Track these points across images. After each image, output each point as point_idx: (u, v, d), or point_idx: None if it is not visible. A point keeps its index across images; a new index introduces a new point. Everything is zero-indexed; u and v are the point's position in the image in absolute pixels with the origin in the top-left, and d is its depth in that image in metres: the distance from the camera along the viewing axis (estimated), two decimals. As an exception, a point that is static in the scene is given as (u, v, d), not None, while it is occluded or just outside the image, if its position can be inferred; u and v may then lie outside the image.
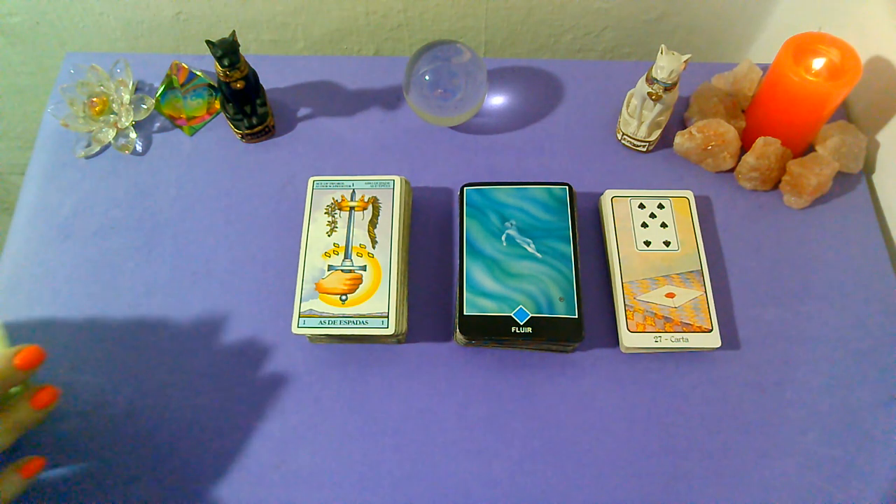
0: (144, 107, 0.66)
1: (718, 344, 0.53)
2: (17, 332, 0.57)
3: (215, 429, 0.54)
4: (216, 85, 0.62)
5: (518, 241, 0.56)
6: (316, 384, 0.56)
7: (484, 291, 0.54)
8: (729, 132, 0.61)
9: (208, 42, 0.57)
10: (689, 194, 0.59)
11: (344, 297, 0.53)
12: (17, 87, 0.95)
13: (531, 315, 0.53)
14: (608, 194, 0.60)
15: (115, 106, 0.65)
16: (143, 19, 0.83)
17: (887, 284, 0.59)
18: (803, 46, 0.57)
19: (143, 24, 0.84)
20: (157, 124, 0.68)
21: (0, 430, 0.43)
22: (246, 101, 0.62)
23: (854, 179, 0.63)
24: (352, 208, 0.57)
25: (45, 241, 0.62)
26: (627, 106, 0.63)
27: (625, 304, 0.55)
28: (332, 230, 0.57)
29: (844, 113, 0.67)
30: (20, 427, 0.44)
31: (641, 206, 0.59)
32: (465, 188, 0.59)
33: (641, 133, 0.63)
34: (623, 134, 0.65)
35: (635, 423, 0.54)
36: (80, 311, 0.59)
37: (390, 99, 0.69)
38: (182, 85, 0.69)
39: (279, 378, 0.56)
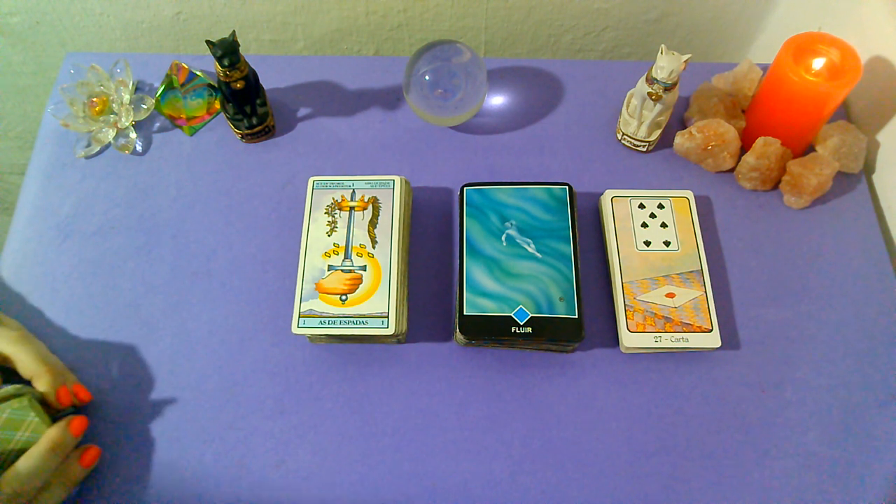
0: (144, 107, 0.66)
1: (718, 344, 0.53)
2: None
3: (215, 429, 0.54)
4: (216, 85, 0.62)
5: (518, 241, 0.56)
6: (316, 384, 0.56)
7: (484, 291, 0.54)
8: (729, 132, 0.61)
9: (208, 42, 0.57)
10: (689, 194, 0.59)
11: (344, 297, 0.53)
12: (17, 87, 0.95)
13: (531, 315, 0.53)
14: (608, 194, 0.60)
15: (115, 106, 0.65)
16: (143, 19, 0.83)
17: (887, 284, 0.59)
18: (803, 46, 0.57)
19: (143, 24, 0.84)
20: (157, 124, 0.68)
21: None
22: (246, 101, 0.62)
23: (854, 179, 0.63)
24: (352, 208, 0.57)
25: (45, 241, 0.62)
26: (627, 106, 0.63)
27: (625, 304, 0.55)
28: (332, 230, 0.56)
29: (844, 113, 0.67)
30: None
31: (641, 206, 0.59)
32: (465, 188, 0.59)
33: (641, 133, 0.63)
34: (623, 134, 0.65)
35: (635, 423, 0.54)
36: (80, 311, 0.59)
37: (390, 99, 0.69)
38: (182, 85, 0.69)
39: (279, 378, 0.56)
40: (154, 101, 0.68)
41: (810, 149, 0.64)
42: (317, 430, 0.54)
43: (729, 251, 0.60)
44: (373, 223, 0.57)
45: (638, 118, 0.62)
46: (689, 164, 0.65)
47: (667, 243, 0.57)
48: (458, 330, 0.53)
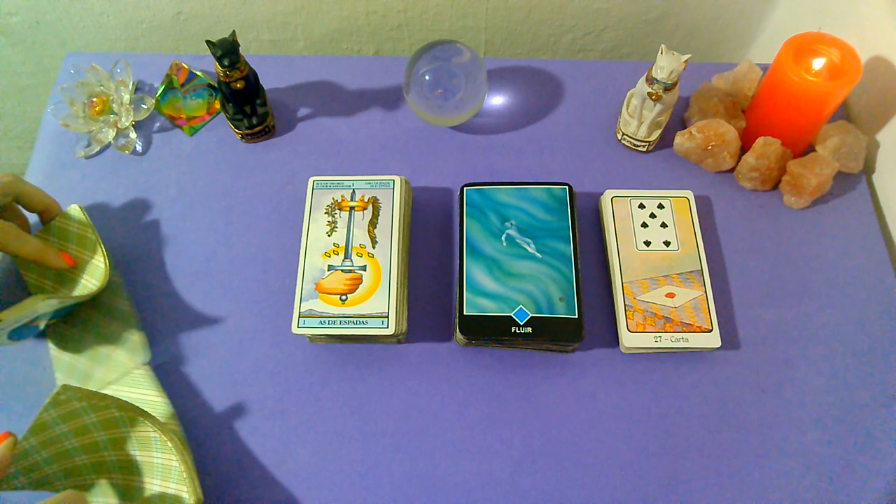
0: (144, 107, 0.66)
1: (718, 344, 0.53)
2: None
3: (215, 429, 0.54)
4: (216, 85, 0.62)
5: (518, 241, 0.56)
6: (316, 384, 0.56)
7: (484, 291, 0.54)
8: (729, 132, 0.61)
9: (208, 42, 0.57)
10: (689, 194, 0.59)
11: (344, 297, 0.53)
12: (17, 87, 0.95)
13: (531, 315, 0.53)
14: (608, 194, 0.60)
15: (115, 106, 0.65)
16: (143, 19, 0.83)
17: (887, 284, 0.59)
18: (803, 46, 0.57)
19: (143, 24, 0.84)
20: (157, 124, 0.68)
21: None
22: (246, 101, 0.62)
23: (854, 179, 0.63)
24: (352, 208, 0.57)
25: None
26: (627, 106, 0.63)
27: (625, 304, 0.55)
28: (332, 230, 0.57)
29: (844, 113, 0.67)
30: None
31: (641, 206, 0.59)
32: (465, 188, 0.59)
33: (641, 133, 0.63)
34: (623, 134, 0.65)
35: (635, 424, 0.54)
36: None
37: (390, 99, 0.69)
38: (182, 85, 0.69)
39: (279, 378, 0.56)
40: (154, 101, 0.68)
41: (810, 149, 0.64)
42: (317, 430, 0.54)
43: (729, 251, 0.60)
44: (373, 223, 0.57)
45: (638, 118, 0.62)
46: (689, 164, 0.65)
47: (667, 243, 0.57)
48: (458, 330, 0.53)
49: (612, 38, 0.88)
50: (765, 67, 0.66)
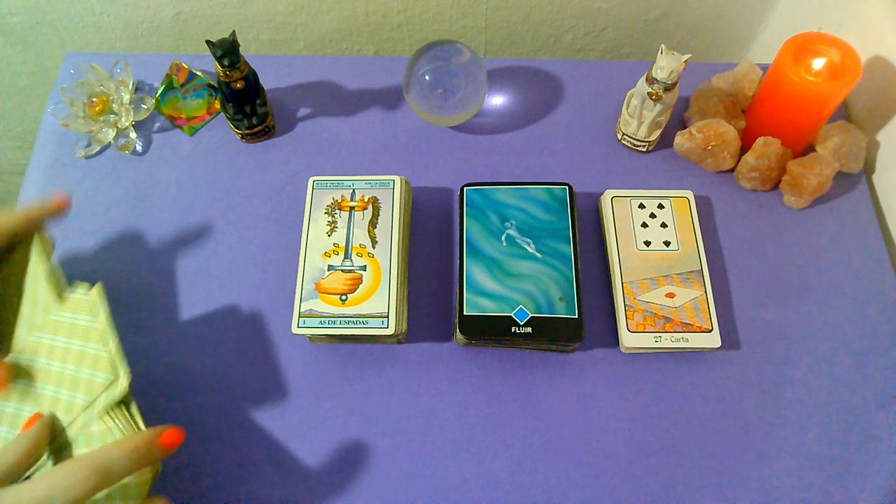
0: (144, 107, 0.66)
1: (718, 344, 0.53)
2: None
3: (215, 429, 0.54)
4: (216, 85, 0.62)
5: (518, 241, 0.56)
6: (316, 384, 0.56)
7: (484, 291, 0.54)
8: (729, 132, 0.61)
9: (208, 42, 0.57)
10: (689, 194, 0.59)
11: (344, 297, 0.53)
12: (17, 87, 0.95)
13: (531, 315, 0.53)
14: (608, 194, 0.60)
15: (115, 106, 0.65)
16: (143, 19, 0.83)
17: (887, 284, 0.59)
18: (803, 46, 0.57)
19: (143, 24, 0.84)
20: (157, 124, 0.68)
21: None
22: (246, 101, 0.62)
23: (854, 179, 0.63)
24: (352, 208, 0.57)
25: (45, 241, 0.62)
26: (627, 106, 0.63)
27: (625, 304, 0.55)
28: (332, 230, 0.57)
29: (844, 113, 0.67)
30: None
31: (641, 206, 0.59)
32: (465, 188, 0.59)
33: (641, 133, 0.63)
34: (623, 134, 0.65)
35: (635, 424, 0.54)
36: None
37: (390, 99, 0.69)
38: (182, 85, 0.69)
39: (279, 378, 0.56)
40: (154, 101, 0.68)
41: (810, 149, 0.64)
42: (317, 430, 0.54)
43: (729, 251, 0.60)
44: (373, 223, 0.57)
45: (638, 118, 0.62)
46: (689, 164, 0.65)
47: (667, 243, 0.57)
48: (458, 330, 0.53)
49: (612, 38, 0.88)
50: (765, 67, 0.66)
